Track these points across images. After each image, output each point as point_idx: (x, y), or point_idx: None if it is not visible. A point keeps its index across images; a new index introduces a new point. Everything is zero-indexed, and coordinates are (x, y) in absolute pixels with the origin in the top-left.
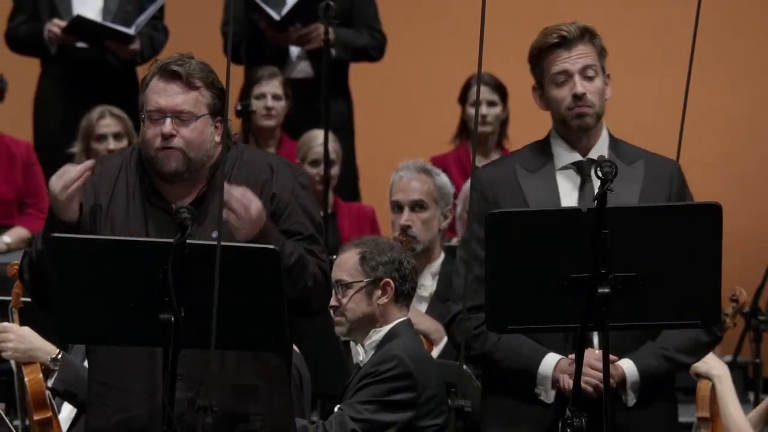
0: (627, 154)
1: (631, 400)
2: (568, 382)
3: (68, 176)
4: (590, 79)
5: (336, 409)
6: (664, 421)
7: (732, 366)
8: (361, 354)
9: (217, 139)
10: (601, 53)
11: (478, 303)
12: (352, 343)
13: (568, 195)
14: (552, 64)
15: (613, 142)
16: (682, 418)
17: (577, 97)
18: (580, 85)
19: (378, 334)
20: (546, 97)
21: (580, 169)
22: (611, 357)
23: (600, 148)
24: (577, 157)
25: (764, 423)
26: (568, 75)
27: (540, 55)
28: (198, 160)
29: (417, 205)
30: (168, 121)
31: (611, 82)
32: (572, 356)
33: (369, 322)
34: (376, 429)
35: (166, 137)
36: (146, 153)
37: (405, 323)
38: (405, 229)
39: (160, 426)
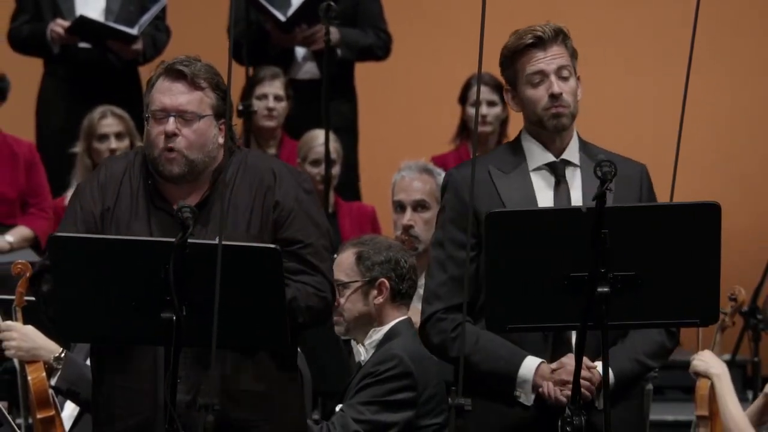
0: (597, 157)
1: (601, 403)
2: (551, 389)
3: None
4: (565, 79)
5: (337, 409)
6: (633, 419)
7: (731, 365)
8: (362, 353)
9: (221, 141)
10: (573, 54)
11: (455, 303)
12: (353, 342)
13: (543, 195)
14: (527, 65)
15: (583, 144)
16: (682, 417)
17: (554, 97)
18: (557, 85)
19: (378, 334)
20: (519, 98)
21: (554, 169)
22: (590, 364)
23: (572, 150)
24: (550, 158)
25: (761, 421)
26: (544, 75)
27: (514, 57)
28: (200, 162)
29: (419, 205)
30: (171, 120)
31: (582, 84)
32: (554, 364)
33: (367, 321)
34: (379, 429)
35: (169, 136)
36: (150, 153)
37: (405, 322)
38: (407, 229)
39: (165, 420)
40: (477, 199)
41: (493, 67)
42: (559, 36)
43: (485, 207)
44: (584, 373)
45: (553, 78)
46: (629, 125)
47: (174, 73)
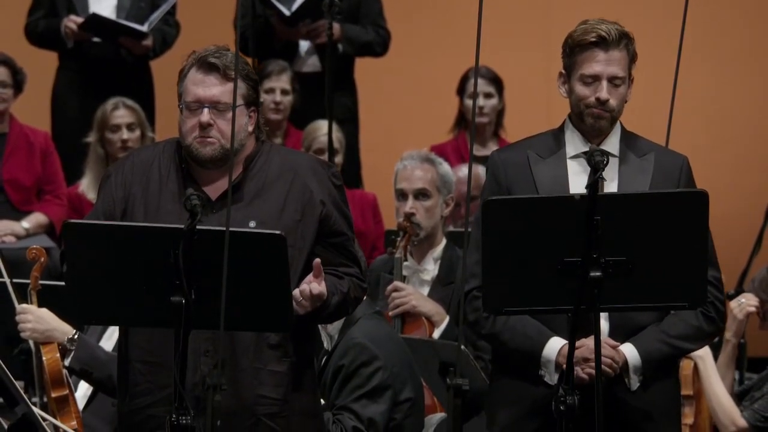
0: (639, 147)
1: (634, 383)
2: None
3: None
4: (616, 86)
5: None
6: (666, 398)
7: (717, 346)
8: (325, 341)
9: (250, 128)
10: (633, 59)
11: None
12: (320, 327)
13: (577, 183)
14: (585, 62)
15: (626, 134)
16: None
17: (600, 102)
18: (605, 91)
19: (337, 323)
20: (570, 87)
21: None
22: (613, 342)
23: (612, 140)
24: (589, 147)
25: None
26: (597, 78)
27: (575, 49)
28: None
29: (420, 194)
30: (206, 111)
31: (633, 84)
32: (577, 342)
33: None
34: (379, 419)
35: (204, 127)
36: (184, 142)
37: (361, 306)
38: (409, 217)
39: (199, 399)
40: (513, 182)
41: (490, 60)
42: (623, 41)
43: (520, 191)
44: (608, 351)
45: (604, 83)
46: (623, 115)
47: (206, 65)
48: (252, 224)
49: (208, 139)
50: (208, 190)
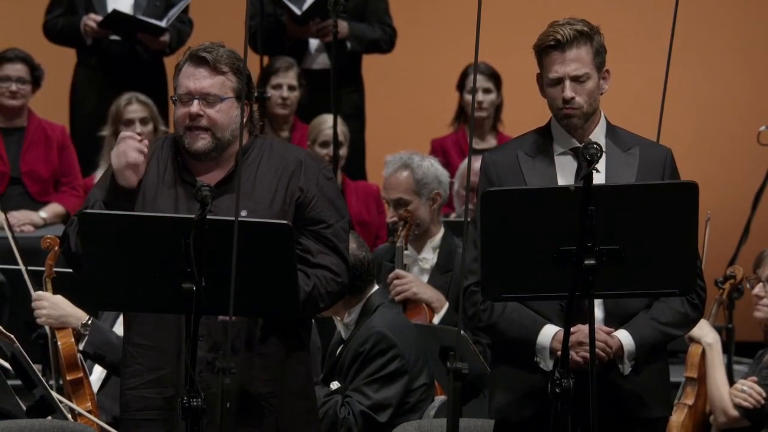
0: (623, 141)
1: (627, 368)
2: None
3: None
4: (581, 83)
5: (333, 387)
6: (656, 381)
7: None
8: (342, 331)
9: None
10: (599, 52)
11: None
12: (335, 320)
13: (566, 179)
14: (548, 66)
15: (610, 129)
16: (670, 378)
17: (566, 101)
18: (569, 90)
19: (354, 313)
20: (543, 89)
21: (577, 154)
22: (606, 329)
23: (597, 135)
24: (574, 143)
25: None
26: (559, 79)
27: (540, 53)
28: (225, 140)
29: (398, 203)
30: (195, 102)
31: (610, 75)
32: (572, 328)
33: (335, 309)
34: (386, 402)
35: (193, 117)
36: (177, 132)
37: (377, 293)
38: (394, 224)
39: (185, 382)
40: (505, 181)
41: (489, 56)
42: (580, 39)
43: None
44: (602, 336)
45: (567, 83)
46: (613, 111)
47: (197, 59)
48: (243, 213)
49: (199, 133)
50: (202, 180)
